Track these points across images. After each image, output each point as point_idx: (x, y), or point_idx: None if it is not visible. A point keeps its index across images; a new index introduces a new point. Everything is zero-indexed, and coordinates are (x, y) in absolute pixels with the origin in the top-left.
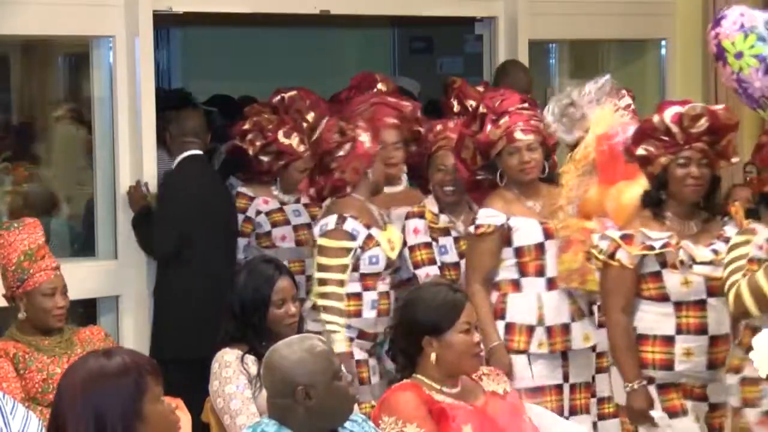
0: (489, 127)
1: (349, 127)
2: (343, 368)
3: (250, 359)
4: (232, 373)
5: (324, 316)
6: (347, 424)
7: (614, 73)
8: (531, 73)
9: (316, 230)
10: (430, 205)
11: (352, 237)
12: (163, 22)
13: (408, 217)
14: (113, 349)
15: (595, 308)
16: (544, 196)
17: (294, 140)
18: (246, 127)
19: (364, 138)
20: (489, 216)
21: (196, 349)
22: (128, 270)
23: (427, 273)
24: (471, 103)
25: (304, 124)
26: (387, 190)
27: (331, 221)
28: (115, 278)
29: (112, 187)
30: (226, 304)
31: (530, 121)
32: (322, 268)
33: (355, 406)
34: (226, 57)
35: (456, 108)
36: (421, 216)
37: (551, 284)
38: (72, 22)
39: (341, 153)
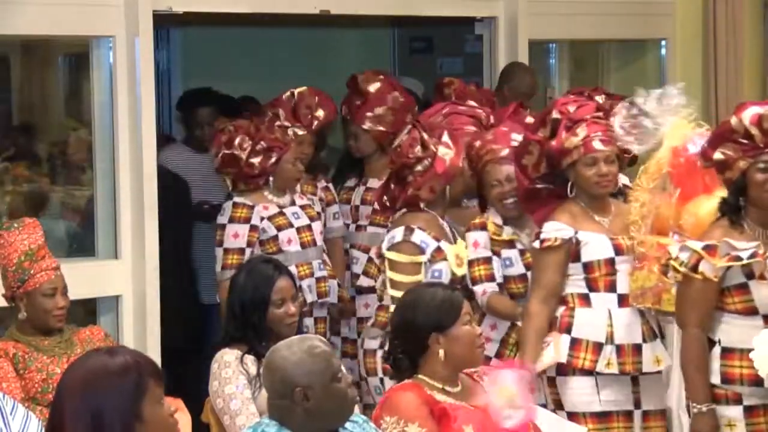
0: (564, 134)
1: (431, 141)
2: (343, 369)
3: (250, 359)
4: (231, 374)
5: None
6: (348, 425)
7: (614, 73)
8: None
9: (384, 243)
10: (494, 216)
11: (420, 250)
12: (163, 22)
13: (469, 229)
14: (117, 347)
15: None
16: (612, 212)
17: (278, 133)
18: (225, 137)
19: (446, 154)
20: (556, 229)
21: None
22: (128, 270)
23: (484, 290)
24: (471, 103)
25: (315, 122)
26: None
27: (398, 234)
28: (115, 278)
29: (112, 187)
30: (226, 305)
31: (608, 131)
32: (395, 285)
33: (356, 407)
34: (226, 57)
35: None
36: (483, 228)
37: (623, 301)
38: (72, 22)
39: (419, 168)
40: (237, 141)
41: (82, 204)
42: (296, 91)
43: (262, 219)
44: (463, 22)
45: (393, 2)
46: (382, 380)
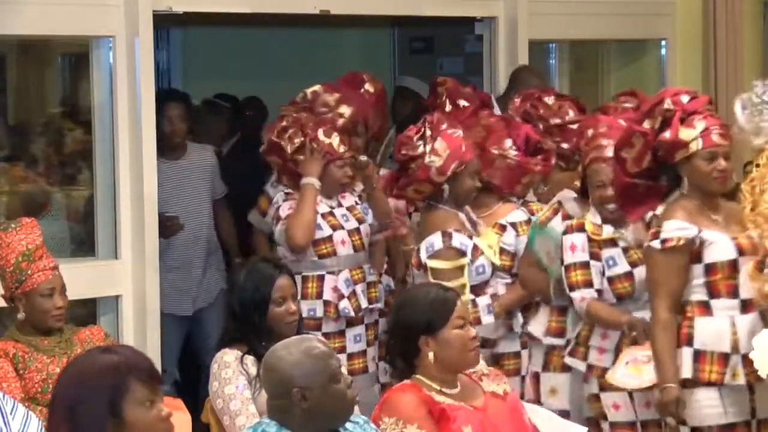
0: (680, 126)
1: (429, 140)
2: (343, 370)
3: (250, 360)
4: (231, 374)
5: None
6: (348, 425)
7: (614, 73)
8: None
9: (423, 252)
10: (592, 215)
11: (462, 253)
12: (163, 22)
13: (566, 231)
14: (115, 346)
15: None
16: (723, 209)
17: (335, 140)
18: (284, 124)
19: (433, 162)
20: (679, 228)
21: None
22: (128, 270)
23: (582, 296)
24: (464, 103)
25: (341, 120)
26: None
27: (436, 240)
28: (115, 278)
29: (112, 188)
30: (226, 305)
31: (723, 125)
32: None
33: (356, 407)
34: (226, 57)
35: (448, 108)
36: (581, 230)
37: (746, 307)
38: (72, 22)
39: (413, 166)
40: (289, 133)
41: (81, 204)
42: (308, 91)
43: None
44: (463, 22)
45: (393, 2)
46: None
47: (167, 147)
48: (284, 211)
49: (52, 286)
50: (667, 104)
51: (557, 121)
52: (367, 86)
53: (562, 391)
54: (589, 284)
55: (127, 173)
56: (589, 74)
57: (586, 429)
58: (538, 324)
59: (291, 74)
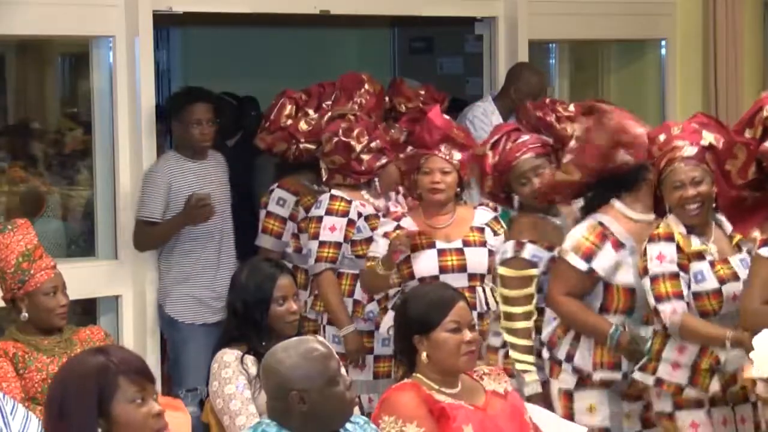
0: None
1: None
2: (342, 371)
3: (250, 359)
4: (231, 374)
5: (513, 354)
6: (348, 426)
7: (614, 73)
8: None
9: (497, 258)
10: (675, 224)
11: (532, 264)
12: (163, 22)
13: (651, 240)
14: (107, 347)
15: None
16: None
17: (395, 135)
18: (350, 122)
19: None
20: None
21: None
22: (128, 270)
23: (674, 308)
24: (406, 104)
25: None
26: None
27: (509, 248)
28: (115, 278)
29: (112, 187)
30: (226, 304)
31: None
32: (506, 300)
33: (356, 409)
34: (226, 57)
35: (403, 109)
36: (669, 239)
37: None
38: (72, 22)
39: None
40: (356, 131)
41: (80, 204)
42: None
43: (359, 215)
44: (463, 22)
45: (393, 2)
46: None
47: (190, 150)
48: (325, 232)
49: (54, 284)
50: (766, 111)
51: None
52: (367, 86)
53: (601, 408)
54: (680, 296)
55: (127, 173)
56: (589, 74)
57: (586, 429)
58: (582, 356)
59: (291, 74)
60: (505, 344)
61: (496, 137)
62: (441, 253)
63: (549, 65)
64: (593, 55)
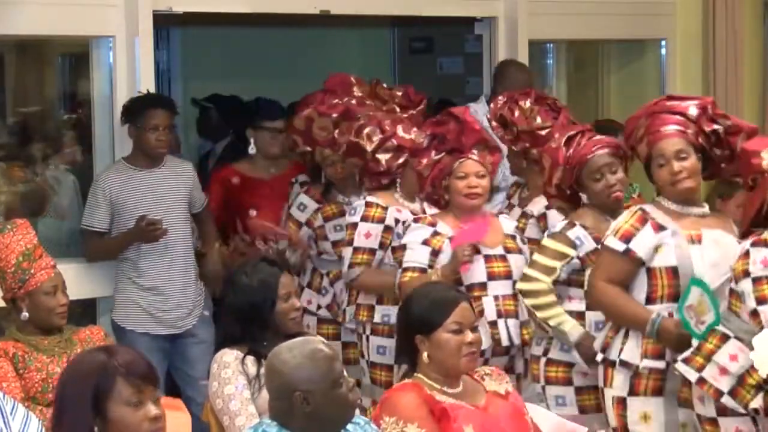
0: None
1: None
2: (345, 374)
3: (250, 360)
4: (231, 374)
5: (540, 315)
6: (349, 427)
7: (614, 73)
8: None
9: (548, 230)
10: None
11: (573, 245)
12: (163, 22)
13: (755, 244)
14: (112, 347)
15: None
16: None
17: (418, 136)
18: (362, 122)
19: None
20: None
21: None
22: None
23: None
24: (380, 106)
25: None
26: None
27: (559, 225)
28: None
29: None
30: (227, 306)
31: None
32: (532, 264)
33: (357, 410)
34: (226, 57)
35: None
36: None
37: None
38: (72, 22)
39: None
40: (366, 131)
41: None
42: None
43: (397, 222)
44: (463, 22)
45: (393, 2)
46: (543, 388)
47: (144, 157)
48: (360, 238)
49: (54, 283)
50: None
51: (524, 127)
52: (356, 89)
53: (656, 417)
54: None
55: None
56: (589, 74)
57: (586, 429)
58: (630, 348)
59: (291, 74)
60: (546, 352)
61: (571, 133)
62: (488, 259)
63: (548, 65)
64: (593, 55)
